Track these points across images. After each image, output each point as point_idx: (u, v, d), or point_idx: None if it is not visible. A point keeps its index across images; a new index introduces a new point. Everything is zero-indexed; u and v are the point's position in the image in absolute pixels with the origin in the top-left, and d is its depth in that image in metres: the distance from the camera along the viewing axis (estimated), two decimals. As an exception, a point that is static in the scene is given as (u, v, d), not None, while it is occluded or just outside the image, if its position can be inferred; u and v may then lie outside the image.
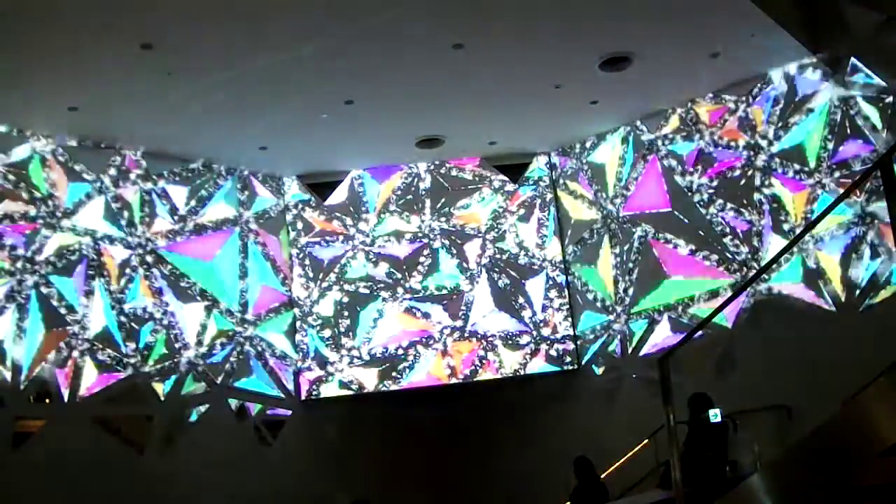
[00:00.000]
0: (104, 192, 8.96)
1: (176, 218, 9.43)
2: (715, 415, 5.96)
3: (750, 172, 8.96)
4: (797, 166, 8.61)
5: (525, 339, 10.28)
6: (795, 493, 3.87)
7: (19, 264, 8.22)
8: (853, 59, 8.06)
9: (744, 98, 9.03)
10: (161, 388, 8.93)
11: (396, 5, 6.84)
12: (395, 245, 10.44)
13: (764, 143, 8.87)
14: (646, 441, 8.07)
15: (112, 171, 9.04)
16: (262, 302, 9.97)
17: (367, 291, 10.32)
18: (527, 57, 7.97)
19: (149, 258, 9.12)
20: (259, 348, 9.80)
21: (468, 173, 10.61)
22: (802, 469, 3.86)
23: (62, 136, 8.71)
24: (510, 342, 10.26)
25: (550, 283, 10.44)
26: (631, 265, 9.79)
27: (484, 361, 10.19)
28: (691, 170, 9.38)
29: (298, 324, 10.24)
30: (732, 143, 9.11)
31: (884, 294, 7.82)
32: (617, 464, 8.46)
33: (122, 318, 8.80)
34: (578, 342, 10.33)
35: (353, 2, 6.79)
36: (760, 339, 8.48)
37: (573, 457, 7.78)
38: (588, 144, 10.33)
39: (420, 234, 10.45)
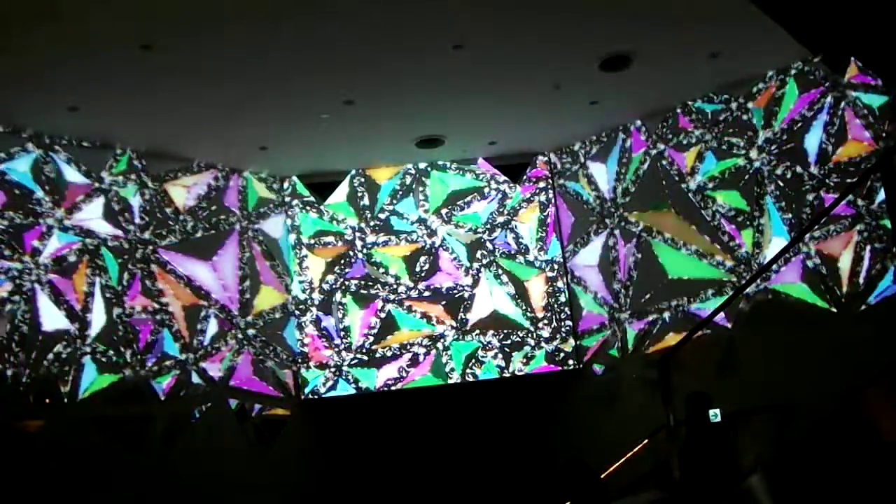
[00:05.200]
0: (104, 192, 8.96)
1: (176, 218, 9.43)
2: (715, 414, 5.94)
3: (750, 172, 8.96)
4: (797, 166, 8.61)
5: (525, 338, 10.29)
6: (795, 492, 3.87)
7: (19, 264, 8.22)
8: (853, 59, 8.06)
9: (744, 98, 9.03)
10: (161, 388, 8.93)
11: (397, 5, 6.85)
12: (395, 245, 10.45)
13: (764, 143, 8.87)
14: (646, 441, 8.06)
15: (112, 171, 9.05)
16: (262, 302, 9.96)
17: (368, 291, 10.33)
18: (527, 57, 7.97)
19: (149, 258, 9.12)
20: (259, 348, 9.80)
21: (468, 173, 10.61)
22: (802, 468, 3.86)
23: (62, 136, 8.71)
24: (510, 342, 10.27)
25: (550, 282, 10.45)
26: (631, 265, 9.80)
27: (484, 361, 10.20)
28: (691, 169, 9.38)
29: (298, 324, 10.24)
30: (732, 143, 9.11)
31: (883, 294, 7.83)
32: (617, 464, 8.45)
33: (122, 318, 8.80)
34: (578, 342, 10.34)
35: (353, 2, 6.79)
36: (760, 339, 8.48)
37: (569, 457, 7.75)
38: (588, 144, 10.33)
39: (420, 234, 10.46)
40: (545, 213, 10.62)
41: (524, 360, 10.24)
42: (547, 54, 7.96)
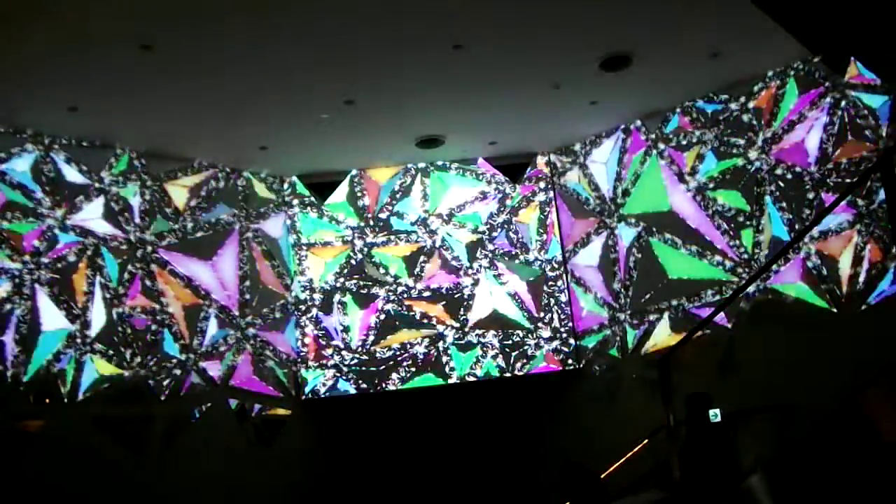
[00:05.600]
0: (104, 192, 8.96)
1: (176, 218, 9.43)
2: (715, 414, 5.95)
3: (750, 172, 8.96)
4: (797, 166, 8.61)
5: (525, 338, 10.29)
6: (795, 492, 3.87)
7: (19, 264, 8.22)
8: (853, 59, 8.06)
9: (744, 98, 9.03)
10: (161, 388, 8.94)
11: (397, 5, 6.85)
12: (395, 245, 10.45)
13: (763, 143, 8.87)
14: (646, 441, 8.07)
15: (112, 171, 9.05)
16: (262, 302, 9.97)
17: (367, 291, 10.33)
18: (527, 57, 7.97)
19: (148, 258, 9.12)
20: (259, 348, 9.80)
21: (468, 173, 10.61)
22: (802, 468, 3.86)
23: (62, 136, 8.71)
24: (510, 342, 10.27)
25: (550, 282, 10.45)
26: (631, 265, 9.80)
27: (484, 361, 10.20)
28: (691, 169, 9.38)
29: (298, 324, 10.24)
30: (732, 143, 9.11)
31: (883, 294, 7.83)
32: (617, 464, 8.45)
33: (122, 318, 8.80)
34: (578, 342, 10.34)
35: (353, 2, 6.80)
36: (760, 339, 8.48)
37: (566, 461, 7.75)
38: (588, 144, 10.34)
39: (420, 234, 10.46)
40: (545, 213, 10.62)
41: (524, 360, 10.24)
42: (547, 54, 7.96)
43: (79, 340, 8.46)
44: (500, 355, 10.22)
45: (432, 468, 10.00)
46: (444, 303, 10.33)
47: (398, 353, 10.18)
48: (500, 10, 7.08)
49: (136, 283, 8.99)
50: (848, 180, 8.14)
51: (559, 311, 10.39)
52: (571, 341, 10.35)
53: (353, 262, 10.37)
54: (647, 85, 8.83)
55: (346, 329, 10.24)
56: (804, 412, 6.96)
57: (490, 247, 10.47)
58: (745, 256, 8.93)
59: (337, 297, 10.32)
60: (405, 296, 10.32)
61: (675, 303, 9.39)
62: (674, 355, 5.88)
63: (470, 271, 10.40)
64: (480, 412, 10.13)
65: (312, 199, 10.48)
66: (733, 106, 9.11)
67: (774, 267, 8.43)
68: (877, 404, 3.62)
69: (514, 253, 10.50)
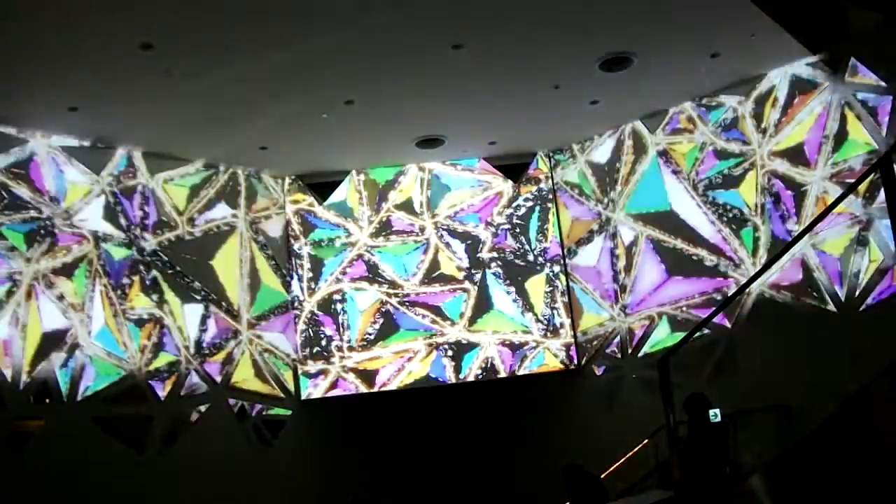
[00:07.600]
0: (104, 192, 8.96)
1: (176, 218, 9.43)
2: (715, 414, 5.95)
3: (750, 172, 8.96)
4: (797, 166, 8.61)
5: (525, 338, 10.29)
6: (796, 492, 3.87)
7: (20, 264, 8.21)
8: (853, 59, 8.06)
9: (744, 98, 9.03)
10: (161, 388, 8.93)
11: (397, 5, 6.85)
12: (395, 245, 10.45)
13: (764, 143, 8.87)
14: (646, 441, 8.07)
15: (112, 171, 9.04)
16: (261, 302, 9.97)
17: (367, 291, 10.33)
18: (527, 57, 7.98)
19: (149, 258, 9.12)
20: (259, 348, 9.80)
21: (468, 173, 10.61)
22: (802, 469, 3.86)
23: (62, 136, 8.70)
24: (510, 342, 10.27)
25: (551, 282, 10.45)
26: (631, 265, 9.79)
27: (484, 361, 10.20)
28: (691, 169, 9.38)
29: (298, 323, 10.24)
30: (732, 143, 9.12)
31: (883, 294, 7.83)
32: (617, 464, 8.46)
33: (122, 318, 8.80)
34: (578, 342, 10.34)
35: (353, 2, 6.79)
36: (760, 339, 8.49)
37: (569, 459, 7.75)
38: (588, 144, 10.34)
39: (420, 234, 10.46)
40: (545, 214, 10.62)
41: (524, 361, 10.23)
42: (547, 54, 7.96)
43: (79, 340, 8.46)
44: (500, 355, 10.22)
45: (432, 468, 9.99)
46: (444, 303, 10.33)
47: (398, 352, 10.18)
48: (500, 10, 7.08)
49: (136, 283, 8.99)
50: (848, 180, 8.14)
51: (559, 311, 10.39)
52: (571, 341, 10.35)
53: (352, 262, 10.37)
54: (647, 85, 8.83)
55: (346, 329, 10.24)
56: (804, 412, 6.96)
57: (490, 247, 10.47)
58: (746, 256, 8.93)
59: (337, 296, 10.32)
60: (405, 296, 10.32)
61: (675, 303, 9.40)
62: (674, 355, 5.87)
63: (470, 271, 10.40)
64: (480, 412, 10.13)
65: (312, 198, 10.48)
66: (733, 106, 9.11)
67: (774, 267, 8.43)
68: (877, 404, 3.62)
69: (513, 253, 10.50)
